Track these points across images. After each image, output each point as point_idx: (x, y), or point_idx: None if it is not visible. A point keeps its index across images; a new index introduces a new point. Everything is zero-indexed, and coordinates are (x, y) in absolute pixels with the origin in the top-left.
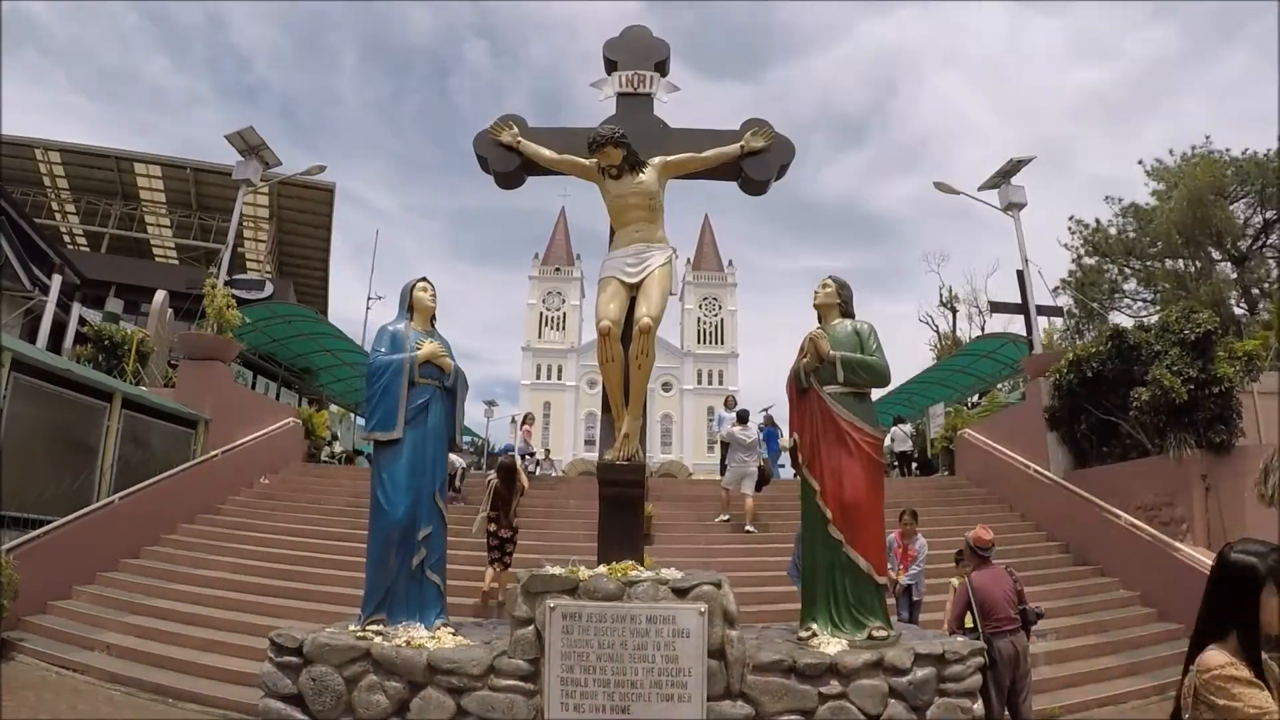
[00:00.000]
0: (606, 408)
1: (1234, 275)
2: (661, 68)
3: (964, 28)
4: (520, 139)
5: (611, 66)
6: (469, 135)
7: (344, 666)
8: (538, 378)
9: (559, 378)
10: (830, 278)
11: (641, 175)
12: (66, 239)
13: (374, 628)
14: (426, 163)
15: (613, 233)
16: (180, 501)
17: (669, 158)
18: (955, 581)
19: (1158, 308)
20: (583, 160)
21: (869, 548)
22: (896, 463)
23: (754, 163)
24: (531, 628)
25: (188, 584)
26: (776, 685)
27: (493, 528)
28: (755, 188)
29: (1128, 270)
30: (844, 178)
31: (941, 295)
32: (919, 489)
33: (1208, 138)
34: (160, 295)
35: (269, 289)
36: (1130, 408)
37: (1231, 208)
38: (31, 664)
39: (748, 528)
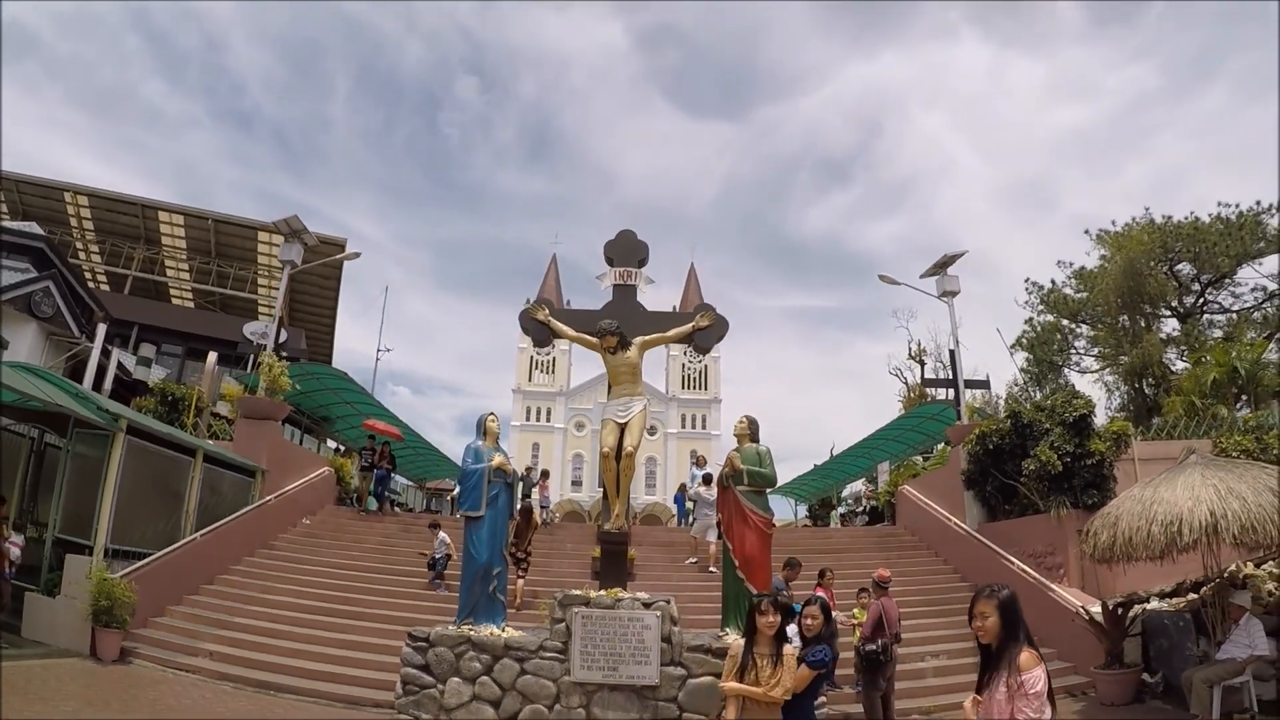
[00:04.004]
0: (606, 495)
1: (1175, 332)
2: (642, 262)
3: (948, 69)
4: (550, 318)
5: (609, 261)
6: (457, 167)
7: (454, 647)
8: (527, 419)
9: (548, 420)
10: (744, 416)
11: (628, 352)
12: (89, 277)
13: (466, 626)
14: (414, 193)
15: (610, 386)
16: (243, 539)
17: (646, 338)
18: (856, 611)
19: (1103, 364)
20: (592, 339)
21: (759, 582)
22: (865, 516)
23: (701, 336)
24: (564, 623)
25: (262, 606)
26: (699, 658)
27: (515, 551)
28: (701, 351)
29: (1077, 330)
30: (828, 217)
31: (910, 349)
32: (862, 536)
33: (1147, 209)
34: (212, 357)
35: (283, 336)
36: (1022, 475)
37: (1178, 268)
38: (150, 667)
39: (711, 569)
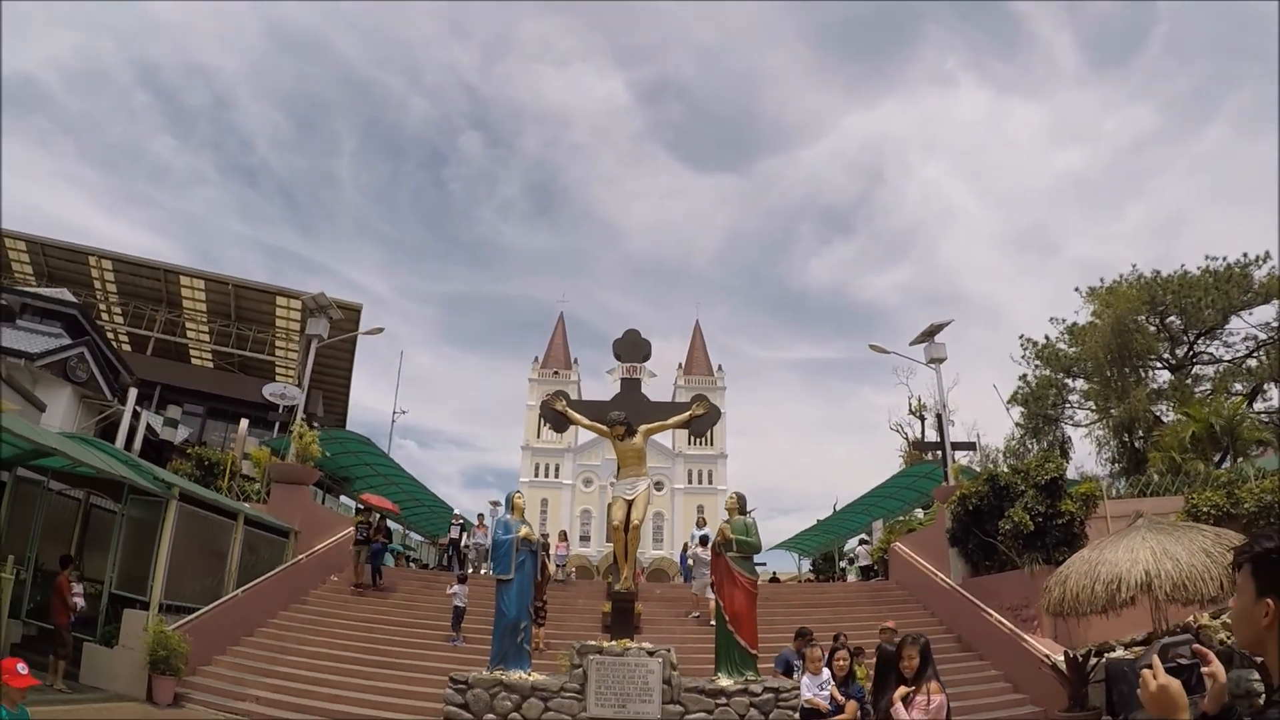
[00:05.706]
0: (616, 560)
1: (1166, 384)
2: (646, 358)
3: (946, 116)
4: (568, 409)
5: (617, 357)
6: (462, 222)
7: (489, 688)
8: (536, 475)
9: (556, 476)
10: (734, 492)
11: (634, 439)
12: (112, 337)
13: (498, 671)
14: (419, 248)
15: (619, 467)
16: (279, 594)
17: (649, 426)
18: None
19: (1095, 418)
20: (603, 427)
21: (746, 634)
22: (861, 575)
23: (697, 422)
24: (581, 668)
25: (299, 655)
26: (694, 698)
27: (535, 602)
28: (697, 434)
29: (1071, 385)
30: (831, 268)
31: (910, 405)
32: (854, 590)
33: (1134, 265)
34: (244, 424)
35: (299, 395)
36: (999, 533)
37: (1168, 320)
38: (203, 710)
39: (711, 622)
